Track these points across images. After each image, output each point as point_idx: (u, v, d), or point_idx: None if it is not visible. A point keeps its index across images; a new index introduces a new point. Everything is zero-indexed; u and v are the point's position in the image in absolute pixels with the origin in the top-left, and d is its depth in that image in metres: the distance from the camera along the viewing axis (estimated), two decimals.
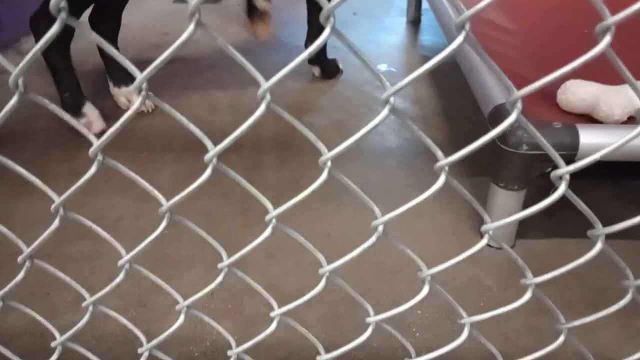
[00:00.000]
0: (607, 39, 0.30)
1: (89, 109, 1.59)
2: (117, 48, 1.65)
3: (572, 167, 0.38)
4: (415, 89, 1.83)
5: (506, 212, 1.10)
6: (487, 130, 1.14)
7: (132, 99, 1.70)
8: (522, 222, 1.17)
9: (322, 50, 1.90)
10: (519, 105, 0.35)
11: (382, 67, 2.03)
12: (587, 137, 1.01)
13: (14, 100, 0.36)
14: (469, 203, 1.24)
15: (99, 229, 0.47)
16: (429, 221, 1.24)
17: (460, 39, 0.30)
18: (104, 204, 1.30)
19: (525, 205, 1.16)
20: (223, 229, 1.21)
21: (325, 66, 1.92)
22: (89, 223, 0.45)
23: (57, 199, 0.42)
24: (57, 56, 1.54)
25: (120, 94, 1.70)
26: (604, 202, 1.29)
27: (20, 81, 0.35)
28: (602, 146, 1.13)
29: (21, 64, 0.34)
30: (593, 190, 1.33)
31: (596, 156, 0.36)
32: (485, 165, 1.40)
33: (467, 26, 0.30)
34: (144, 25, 2.38)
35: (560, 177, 0.38)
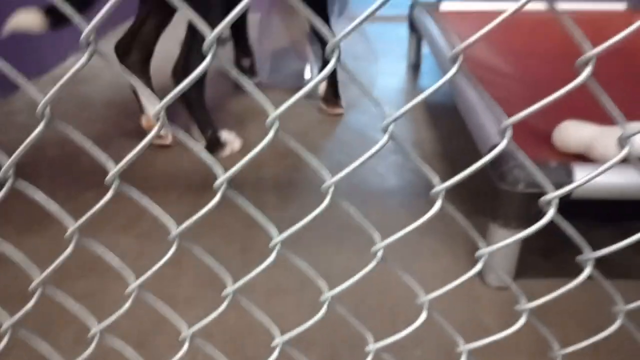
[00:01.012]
0: (587, 70, 0.33)
1: (226, 135, 1.70)
2: (149, 77, 1.73)
3: (560, 192, 0.40)
4: (416, 132, 1.87)
5: (504, 250, 1.11)
6: (487, 171, 1.16)
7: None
8: (521, 262, 1.18)
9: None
10: (509, 132, 0.37)
11: (385, 109, 2.08)
12: (582, 175, 1.04)
13: (40, 127, 0.38)
14: (469, 244, 1.25)
15: (110, 255, 0.49)
16: (429, 262, 1.25)
17: (454, 69, 0.33)
18: (105, 242, 1.31)
19: (524, 244, 1.17)
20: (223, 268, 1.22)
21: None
22: (101, 249, 0.47)
23: (73, 224, 0.44)
24: (197, 94, 1.63)
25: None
26: (603, 243, 1.30)
27: (47, 110, 0.38)
28: (598, 185, 1.15)
29: (50, 92, 0.37)
30: (594, 231, 1.34)
31: (572, 187, 0.39)
32: (484, 206, 1.42)
33: (461, 58, 0.33)
34: (166, 54, 2.44)
35: (549, 203, 0.41)
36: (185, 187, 1.55)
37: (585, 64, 0.34)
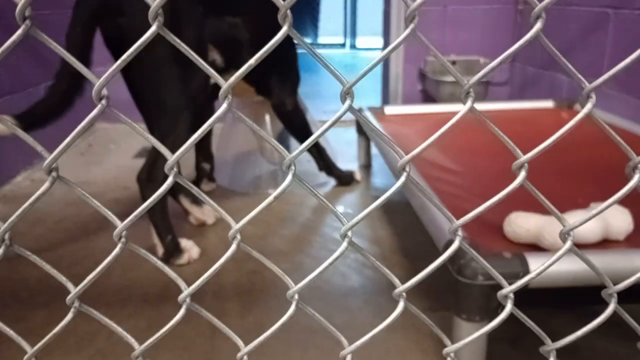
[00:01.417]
0: (522, 174, 0.36)
1: (184, 242, 1.72)
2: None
3: (514, 286, 0.42)
4: (372, 229, 1.90)
5: (471, 343, 1.11)
6: (445, 264, 1.19)
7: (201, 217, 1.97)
8: (489, 354, 1.17)
9: (329, 166, 2.33)
10: (460, 233, 0.40)
11: (340, 209, 2.13)
12: (536, 264, 1.07)
13: None
14: (436, 339, 1.25)
15: None
16: None
17: (402, 179, 0.36)
18: None
19: (491, 334, 1.17)
20: None
21: (339, 176, 2.35)
22: None
23: (30, 350, 0.43)
24: (160, 206, 1.66)
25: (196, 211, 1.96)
26: (566, 329, 1.32)
27: (7, 235, 0.38)
28: (553, 273, 1.18)
29: (9, 220, 0.37)
30: (555, 318, 1.36)
31: (523, 281, 0.41)
32: (447, 300, 1.43)
33: (408, 168, 0.35)
34: (105, 182, 2.45)
35: (506, 296, 0.42)
36: (141, 299, 1.50)
37: (519, 168, 0.37)
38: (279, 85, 2.08)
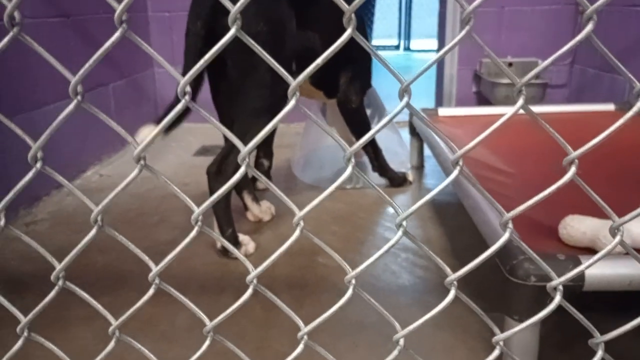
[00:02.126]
0: (572, 170, 0.38)
1: (242, 237, 1.81)
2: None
3: (563, 277, 0.44)
4: (424, 230, 1.91)
5: (523, 345, 1.11)
6: (496, 266, 1.18)
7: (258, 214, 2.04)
8: (539, 357, 1.17)
9: (383, 166, 2.35)
10: (510, 225, 0.42)
11: (391, 210, 2.15)
12: (592, 268, 1.06)
13: (92, 233, 0.43)
14: (484, 338, 1.25)
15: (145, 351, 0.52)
16: (444, 356, 1.24)
17: (455, 172, 0.38)
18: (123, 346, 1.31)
19: (542, 339, 1.17)
20: None
21: (391, 178, 2.36)
22: (138, 345, 0.50)
23: (114, 322, 0.48)
24: (225, 199, 1.76)
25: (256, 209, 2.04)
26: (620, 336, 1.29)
27: (100, 217, 0.43)
28: (608, 277, 1.17)
29: (104, 202, 0.43)
30: (609, 323, 1.33)
31: (573, 273, 0.42)
32: (498, 304, 1.42)
33: (461, 162, 0.38)
34: (165, 177, 2.55)
35: (555, 288, 0.44)
36: (199, 290, 1.57)
37: (570, 163, 0.39)
38: (347, 82, 2.15)
